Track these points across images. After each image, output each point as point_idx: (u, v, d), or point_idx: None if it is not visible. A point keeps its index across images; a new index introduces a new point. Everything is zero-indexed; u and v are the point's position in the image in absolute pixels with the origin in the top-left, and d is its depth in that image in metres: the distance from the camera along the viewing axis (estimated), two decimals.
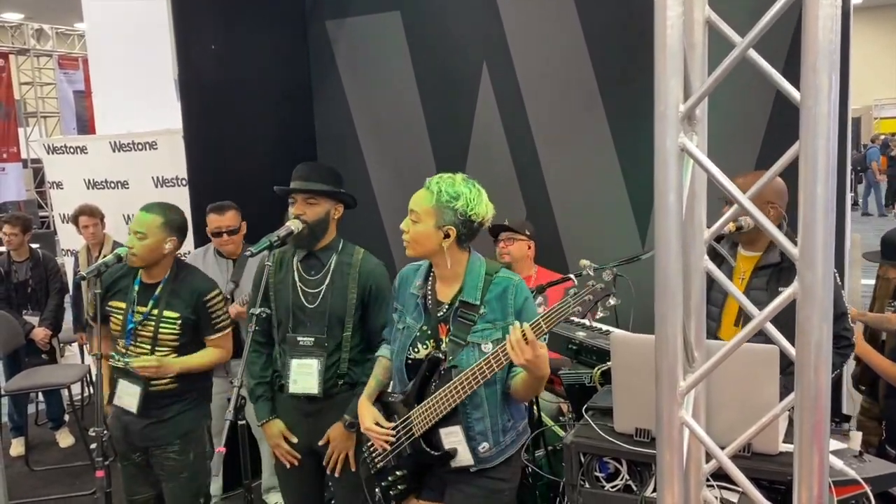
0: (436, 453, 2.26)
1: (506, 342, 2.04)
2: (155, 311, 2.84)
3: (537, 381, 2.12)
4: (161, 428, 2.88)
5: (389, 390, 2.48)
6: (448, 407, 2.20)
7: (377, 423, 2.36)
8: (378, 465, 2.41)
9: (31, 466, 4.96)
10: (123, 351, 2.86)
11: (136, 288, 2.89)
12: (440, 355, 2.26)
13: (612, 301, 1.94)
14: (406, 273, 2.47)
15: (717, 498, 1.60)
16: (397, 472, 2.36)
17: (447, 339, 2.26)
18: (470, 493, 2.29)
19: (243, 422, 2.54)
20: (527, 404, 2.50)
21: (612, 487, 2.02)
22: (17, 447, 5.22)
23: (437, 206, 2.21)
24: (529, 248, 3.77)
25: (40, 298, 5.30)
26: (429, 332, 2.31)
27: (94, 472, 2.65)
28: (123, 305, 2.89)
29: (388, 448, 2.34)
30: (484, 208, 2.25)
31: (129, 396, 2.86)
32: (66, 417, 5.52)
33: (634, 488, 1.99)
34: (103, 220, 5.14)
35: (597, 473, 2.05)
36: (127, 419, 2.89)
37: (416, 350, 2.33)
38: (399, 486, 2.37)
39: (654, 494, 1.87)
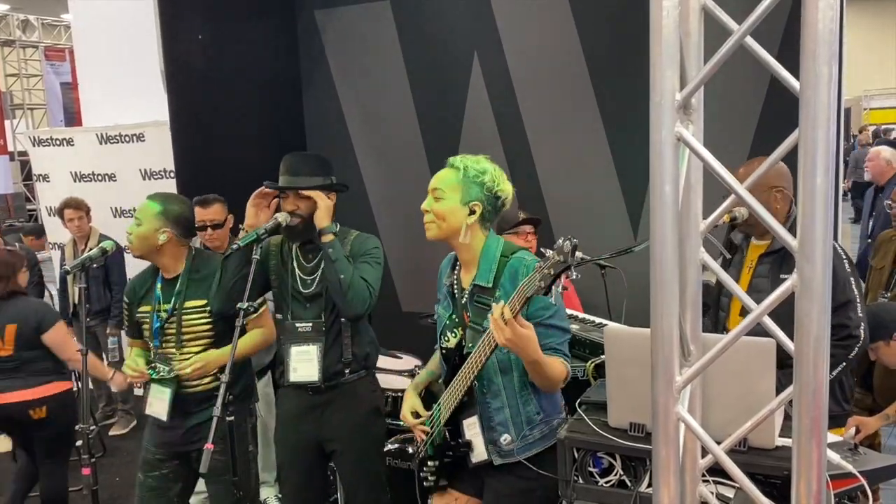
0: (452, 443, 2.24)
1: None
2: (177, 305, 2.75)
3: (529, 365, 2.06)
4: (204, 429, 2.69)
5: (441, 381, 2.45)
6: (461, 392, 2.18)
7: (414, 413, 2.37)
8: (420, 455, 2.38)
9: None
10: (154, 352, 2.78)
11: (160, 286, 2.80)
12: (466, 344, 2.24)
13: (572, 274, 1.89)
14: (444, 263, 2.44)
15: (713, 493, 1.58)
16: (429, 463, 2.33)
17: (469, 326, 2.24)
18: (502, 492, 2.24)
19: (231, 418, 2.51)
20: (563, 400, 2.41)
21: (606, 483, 2.00)
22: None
23: (464, 180, 2.19)
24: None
25: None
26: (457, 320, 2.28)
27: (81, 469, 2.60)
28: (149, 308, 2.80)
29: (424, 438, 2.33)
30: (507, 187, 2.25)
31: (158, 402, 2.74)
32: None
33: (629, 483, 1.97)
34: (89, 214, 5.08)
35: (590, 468, 2.02)
36: (172, 423, 2.78)
37: (446, 339, 2.32)
38: (431, 478, 2.33)
39: (649, 490, 1.85)
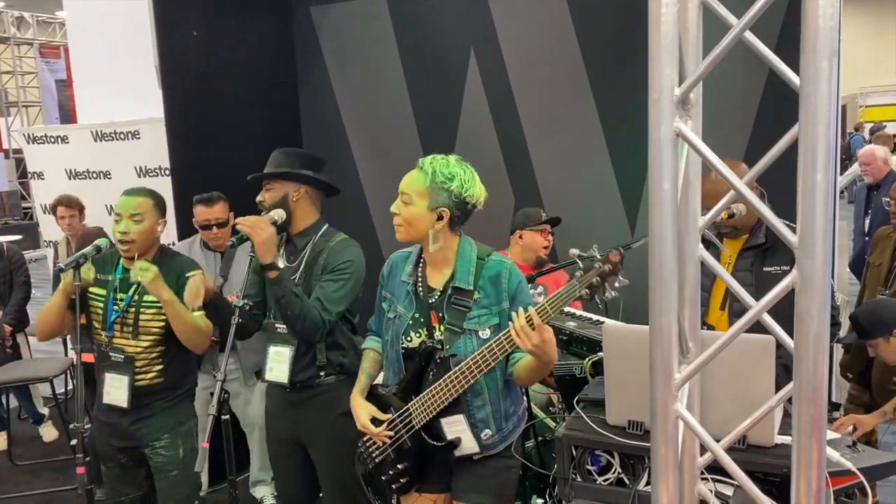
0: (439, 444, 2.22)
1: (509, 329, 2.00)
2: (136, 298, 2.76)
3: (545, 365, 2.07)
4: (148, 424, 2.78)
5: (381, 382, 2.43)
6: (449, 397, 2.16)
7: (374, 419, 2.31)
8: (377, 460, 2.36)
9: (15, 461, 4.89)
10: (106, 341, 2.77)
11: (119, 277, 2.79)
12: (436, 345, 2.21)
13: (621, 281, 1.87)
14: (395, 260, 2.40)
15: (711, 491, 1.58)
16: (398, 466, 2.30)
17: (442, 328, 2.21)
18: (480, 473, 2.26)
19: (227, 416, 2.50)
20: (523, 389, 2.47)
21: (605, 481, 1.99)
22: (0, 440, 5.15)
23: (431, 187, 2.16)
24: None
25: (3, 293, 5.19)
26: (421, 319, 2.26)
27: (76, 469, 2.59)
28: (103, 293, 2.80)
29: (387, 442, 2.30)
30: (478, 190, 2.21)
31: (116, 390, 2.75)
32: (46, 411, 5.46)
33: (627, 482, 1.97)
34: (82, 212, 5.04)
35: (589, 466, 2.02)
36: (113, 419, 2.80)
37: (408, 339, 2.29)
38: (401, 480, 2.31)
39: (648, 488, 1.84)
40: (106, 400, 2.78)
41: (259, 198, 2.68)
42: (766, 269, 2.64)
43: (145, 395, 2.77)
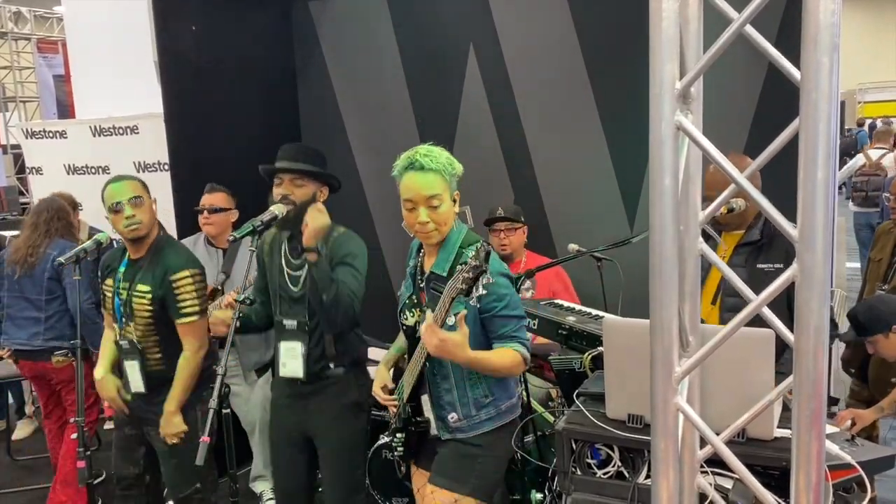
0: (414, 419, 2.35)
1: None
2: (131, 285, 2.83)
3: (464, 365, 2.16)
4: (157, 406, 2.84)
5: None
6: (415, 372, 2.30)
7: (384, 388, 2.45)
8: (393, 425, 2.48)
9: (13, 457, 4.89)
10: (119, 333, 2.87)
11: (123, 269, 2.86)
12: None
13: (485, 279, 1.93)
14: (414, 243, 2.50)
15: (711, 484, 1.58)
16: (397, 435, 2.44)
17: (423, 310, 2.31)
18: (445, 455, 2.34)
19: (227, 410, 2.50)
20: (518, 384, 2.51)
21: (604, 474, 2.00)
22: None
23: (450, 179, 2.27)
24: (524, 234, 3.72)
25: None
26: (415, 300, 2.38)
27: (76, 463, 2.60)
28: (112, 283, 2.89)
29: (394, 411, 2.44)
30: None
31: (132, 376, 2.87)
32: (29, 409, 5.45)
33: (627, 475, 1.97)
34: (77, 209, 5.03)
35: (588, 460, 2.02)
36: (135, 402, 2.92)
37: (405, 318, 2.41)
38: (399, 449, 2.44)
39: (647, 481, 1.85)
40: (133, 389, 2.88)
41: (285, 190, 2.62)
42: (759, 265, 2.64)
43: (160, 384, 2.85)
